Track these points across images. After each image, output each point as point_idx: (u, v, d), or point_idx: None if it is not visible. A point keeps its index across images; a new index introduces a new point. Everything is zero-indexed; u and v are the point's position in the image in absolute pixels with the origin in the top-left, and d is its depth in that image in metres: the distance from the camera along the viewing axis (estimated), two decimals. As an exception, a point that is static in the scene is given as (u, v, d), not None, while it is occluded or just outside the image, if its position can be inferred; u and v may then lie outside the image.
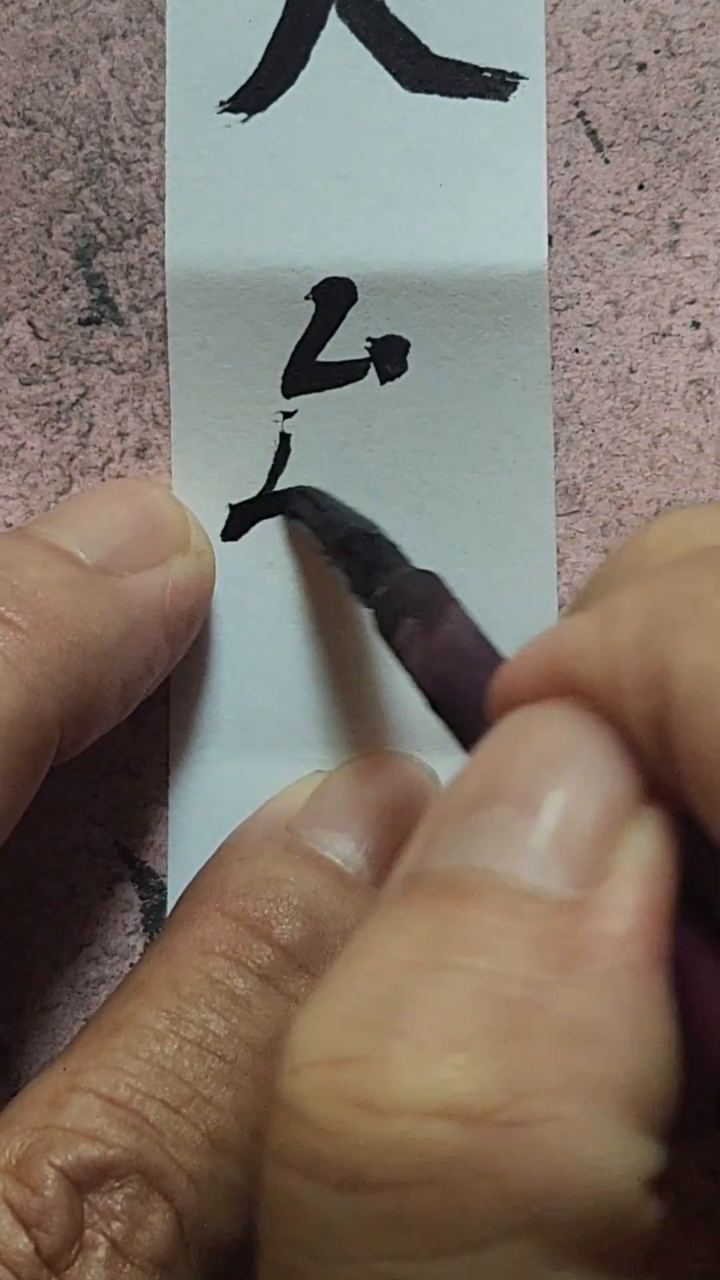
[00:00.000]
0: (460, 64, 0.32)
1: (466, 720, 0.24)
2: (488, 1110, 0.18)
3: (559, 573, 0.33)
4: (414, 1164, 0.18)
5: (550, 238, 0.32)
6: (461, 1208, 0.18)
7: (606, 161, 0.33)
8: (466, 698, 0.24)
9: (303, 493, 0.32)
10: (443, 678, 0.25)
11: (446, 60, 0.32)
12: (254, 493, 0.33)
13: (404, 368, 0.32)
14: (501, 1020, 0.19)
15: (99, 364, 0.33)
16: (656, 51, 0.32)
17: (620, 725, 0.21)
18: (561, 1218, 0.18)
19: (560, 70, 0.32)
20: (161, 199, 0.33)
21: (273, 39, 0.32)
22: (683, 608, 0.20)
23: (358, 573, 0.29)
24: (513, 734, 0.21)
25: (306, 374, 0.32)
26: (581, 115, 0.32)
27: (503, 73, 0.32)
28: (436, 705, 0.25)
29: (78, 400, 0.33)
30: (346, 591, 0.30)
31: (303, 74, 0.32)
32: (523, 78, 0.32)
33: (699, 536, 0.23)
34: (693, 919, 0.21)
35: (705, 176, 0.32)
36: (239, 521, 0.33)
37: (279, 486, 0.33)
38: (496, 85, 0.32)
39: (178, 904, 0.31)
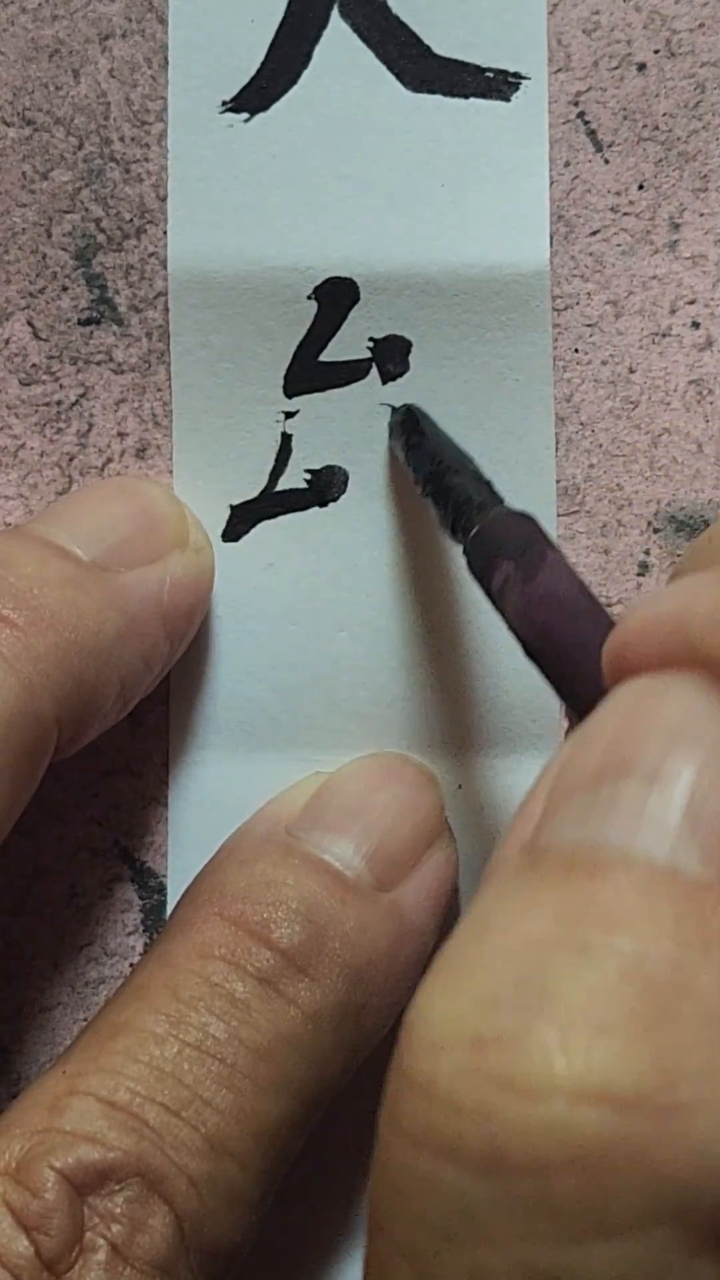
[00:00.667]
0: (462, 64, 0.32)
1: (567, 672, 0.24)
2: (641, 1096, 0.18)
3: (559, 573, 0.33)
4: (561, 1148, 0.18)
5: (550, 238, 0.32)
6: (607, 1194, 0.18)
7: (606, 161, 0.32)
8: (568, 649, 0.24)
9: (409, 412, 0.32)
10: (543, 627, 0.25)
11: (449, 60, 0.32)
12: (255, 493, 0.33)
13: (406, 368, 0.32)
14: (650, 1004, 0.18)
15: (99, 364, 0.33)
16: (656, 51, 0.32)
17: None
18: (707, 1204, 0.18)
19: (560, 70, 0.32)
20: (161, 199, 0.33)
21: (275, 39, 0.32)
22: None
23: (451, 509, 0.28)
24: (638, 704, 0.21)
25: (308, 374, 0.32)
26: (581, 115, 0.32)
27: (505, 73, 0.32)
28: (535, 654, 0.25)
29: (78, 400, 0.33)
30: (438, 527, 0.29)
31: (305, 74, 0.32)
32: (525, 78, 0.32)
33: None
34: None
35: (705, 176, 0.32)
36: (240, 522, 0.33)
37: (280, 487, 0.33)
38: (498, 85, 0.32)
39: (176, 907, 0.31)
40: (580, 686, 0.23)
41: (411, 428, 0.32)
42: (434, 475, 0.30)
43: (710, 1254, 0.18)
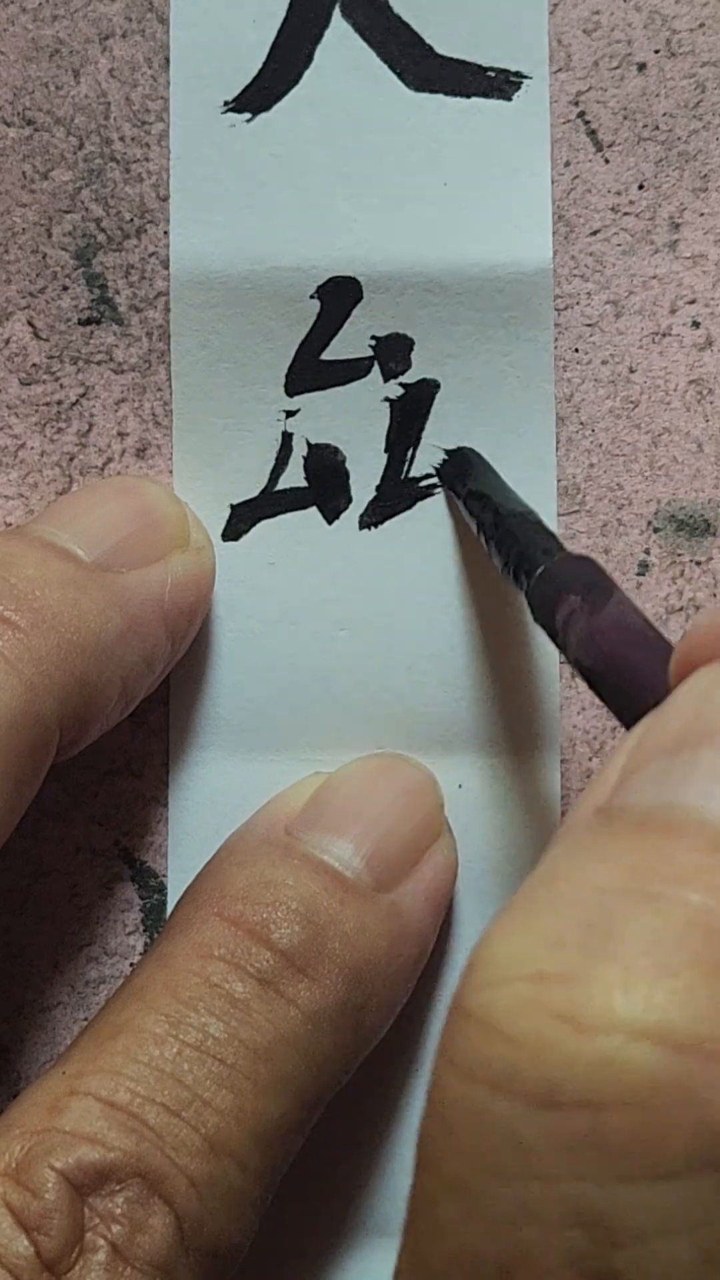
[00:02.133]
0: (464, 63, 0.32)
1: (631, 698, 0.24)
2: (698, 1038, 0.18)
3: (560, 573, 0.33)
4: (616, 1084, 0.18)
5: (551, 235, 0.32)
6: (659, 1134, 0.18)
7: (606, 161, 0.32)
8: (633, 675, 0.24)
9: (464, 458, 0.32)
10: (609, 653, 0.25)
11: (450, 60, 0.32)
12: (256, 492, 0.33)
13: (408, 366, 0.32)
14: (713, 951, 0.18)
15: (99, 364, 0.33)
16: (656, 51, 0.32)
17: None
18: None
19: (560, 70, 0.32)
20: (162, 199, 0.33)
21: (277, 39, 0.32)
22: None
23: (515, 554, 0.29)
24: (714, 683, 0.21)
25: (310, 372, 0.32)
26: (581, 115, 0.32)
27: (506, 72, 0.32)
28: (597, 681, 0.25)
29: (78, 400, 0.33)
30: (500, 572, 0.29)
31: (307, 74, 0.32)
32: (526, 77, 0.32)
33: None
34: None
35: (705, 176, 0.32)
36: (240, 521, 0.33)
37: (281, 486, 0.33)
38: (500, 84, 0.32)
39: (176, 908, 0.31)
40: (645, 713, 0.23)
41: (469, 471, 0.32)
42: (497, 522, 0.30)
43: None
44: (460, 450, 0.32)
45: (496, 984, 0.19)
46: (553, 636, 0.27)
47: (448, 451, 0.33)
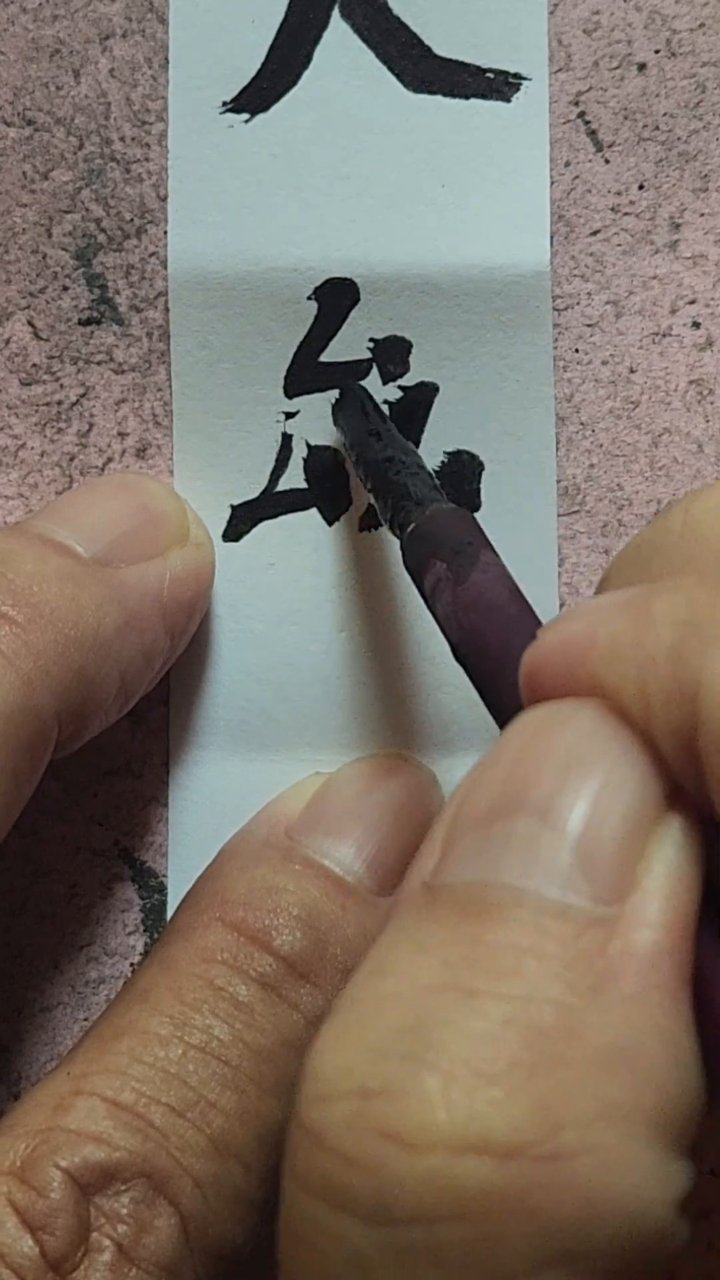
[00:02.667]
0: (463, 65, 0.32)
1: (492, 676, 0.24)
2: (522, 1145, 0.18)
3: (559, 573, 0.33)
4: (447, 1199, 0.18)
5: (550, 238, 0.32)
6: (495, 1243, 0.18)
7: (606, 161, 0.33)
8: (494, 654, 0.23)
9: (353, 393, 0.32)
10: (471, 630, 0.24)
11: (449, 61, 0.32)
12: (256, 493, 0.33)
13: (406, 368, 0.32)
14: (533, 1050, 0.19)
15: (99, 364, 0.33)
16: (656, 51, 0.32)
17: (646, 731, 0.20)
18: (597, 1248, 0.18)
19: (560, 70, 0.32)
20: (161, 199, 0.33)
21: (275, 39, 0.32)
22: (718, 620, 0.20)
23: (391, 502, 0.28)
24: (535, 736, 0.21)
25: (309, 374, 0.32)
26: (581, 115, 0.32)
27: (505, 73, 0.32)
28: (462, 656, 0.24)
29: (78, 400, 0.33)
30: (384, 522, 0.29)
31: (305, 74, 0.32)
32: (525, 78, 0.32)
33: None
34: (710, 927, 0.20)
35: (705, 176, 0.32)
36: (240, 522, 0.33)
37: (281, 487, 0.33)
38: (499, 86, 0.32)
39: (177, 911, 0.31)
40: (505, 695, 0.23)
41: (355, 411, 0.31)
42: (376, 467, 0.29)
43: None
44: (350, 386, 0.32)
45: (326, 1099, 0.19)
46: (425, 600, 0.26)
47: (341, 390, 0.32)
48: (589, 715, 0.21)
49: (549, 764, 0.20)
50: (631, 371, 0.33)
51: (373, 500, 0.29)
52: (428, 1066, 0.19)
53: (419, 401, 0.32)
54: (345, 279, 0.32)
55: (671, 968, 0.19)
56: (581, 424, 0.33)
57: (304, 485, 0.33)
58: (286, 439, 0.33)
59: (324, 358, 0.32)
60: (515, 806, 0.20)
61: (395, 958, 0.20)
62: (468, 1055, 0.19)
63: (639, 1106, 0.18)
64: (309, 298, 0.32)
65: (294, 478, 0.33)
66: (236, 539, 0.33)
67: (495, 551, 0.26)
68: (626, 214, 0.33)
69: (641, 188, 0.33)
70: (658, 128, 0.32)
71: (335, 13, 0.32)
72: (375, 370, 0.32)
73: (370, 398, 0.32)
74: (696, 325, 0.33)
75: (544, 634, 0.22)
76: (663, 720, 0.20)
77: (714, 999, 0.20)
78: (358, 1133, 0.19)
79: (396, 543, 0.33)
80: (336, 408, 0.32)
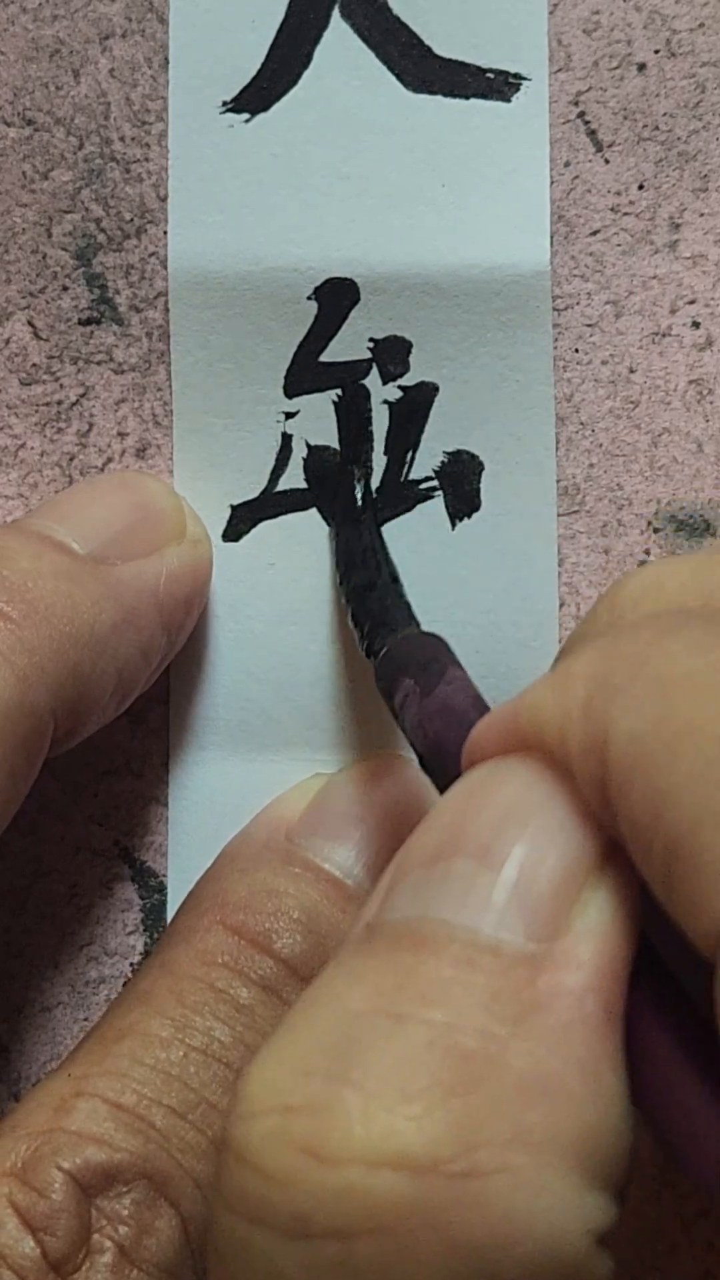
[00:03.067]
0: (463, 65, 0.32)
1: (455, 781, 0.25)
2: (437, 1161, 0.18)
3: (559, 573, 0.33)
4: (362, 1213, 0.18)
5: (550, 238, 0.32)
6: (409, 1258, 0.18)
7: (606, 161, 0.32)
8: (456, 759, 0.24)
9: (350, 515, 0.32)
10: (435, 738, 0.25)
11: (449, 61, 0.32)
12: (256, 493, 0.33)
13: (406, 368, 0.32)
14: (454, 1072, 0.19)
15: (99, 364, 0.33)
16: (656, 51, 0.32)
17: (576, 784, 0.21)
18: (509, 1271, 0.18)
19: (560, 70, 0.32)
20: (161, 199, 0.33)
21: (276, 39, 0.32)
22: (624, 672, 0.21)
23: (367, 628, 0.29)
24: (475, 788, 0.21)
25: (309, 374, 0.32)
26: (581, 115, 0.32)
27: (505, 73, 0.32)
28: (428, 765, 0.26)
29: (78, 400, 0.33)
30: (355, 645, 0.30)
31: (305, 74, 0.32)
32: (525, 79, 0.32)
33: (669, 593, 0.23)
34: (650, 978, 0.21)
35: (705, 176, 0.32)
36: (240, 522, 0.33)
37: (281, 487, 0.33)
38: (499, 86, 0.32)
39: (178, 914, 0.31)
40: None
41: (354, 530, 0.32)
42: (355, 594, 0.30)
43: None
44: (350, 509, 0.32)
45: (250, 1116, 0.19)
46: (395, 718, 0.27)
47: (335, 511, 0.33)
48: (527, 769, 0.21)
49: (488, 811, 0.21)
50: (631, 371, 0.33)
51: (351, 626, 0.30)
52: (349, 1084, 0.19)
53: (419, 401, 0.32)
54: (345, 279, 0.32)
55: (598, 1006, 0.20)
56: (581, 424, 0.33)
57: (304, 485, 0.33)
58: (286, 439, 0.33)
59: (324, 358, 0.32)
60: (454, 849, 0.21)
61: (330, 987, 0.20)
62: (389, 1074, 0.19)
63: (556, 1135, 0.19)
64: (309, 298, 0.32)
65: (294, 478, 0.33)
66: (236, 539, 0.33)
67: (463, 669, 0.27)
68: (626, 214, 0.33)
69: (641, 188, 0.33)
70: (658, 128, 0.32)
71: (335, 13, 0.32)
72: (375, 370, 0.32)
73: (364, 515, 0.32)
74: (696, 325, 0.33)
75: (479, 724, 0.23)
76: (583, 774, 0.21)
77: (647, 1051, 0.20)
78: (277, 1148, 0.19)
79: (396, 542, 0.33)
80: (332, 523, 0.33)
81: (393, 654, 0.28)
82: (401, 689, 0.27)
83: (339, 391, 0.32)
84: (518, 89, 0.32)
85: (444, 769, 0.25)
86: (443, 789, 0.25)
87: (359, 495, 0.32)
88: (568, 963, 0.20)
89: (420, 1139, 0.18)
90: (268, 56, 0.32)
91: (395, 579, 0.31)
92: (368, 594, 0.30)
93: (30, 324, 0.33)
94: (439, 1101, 0.19)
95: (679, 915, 0.20)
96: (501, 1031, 0.19)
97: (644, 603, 0.24)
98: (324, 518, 0.33)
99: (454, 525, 0.33)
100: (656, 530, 0.33)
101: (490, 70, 0.32)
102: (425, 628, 0.33)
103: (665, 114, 0.32)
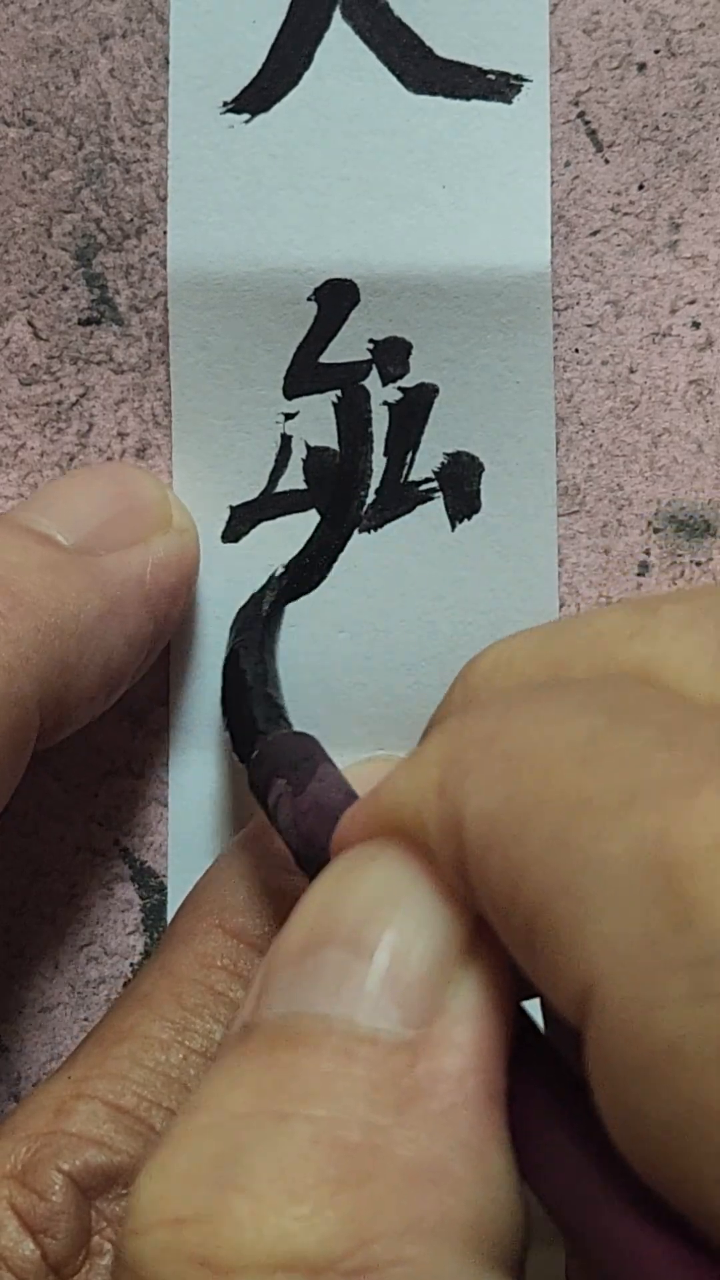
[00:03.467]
0: (464, 66, 0.32)
1: None
2: (331, 1259, 0.18)
3: (559, 573, 0.33)
4: None
5: (550, 238, 0.32)
6: None
7: (606, 161, 0.32)
8: (329, 854, 0.24)
9: (242, 639, 0.32)
10: (308, 835, 0.26)
11: (450, 62, 0.32)
12: (255, 494, 0.33)
13: (406, 369, 0.32)
14: (341, 1167, 0.19)
15: (99, 364, 0.33)
16: (656, 51, 0.32)
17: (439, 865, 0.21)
18: None
19: (560, 70, 0.32)
20: (161, 199, 0.33)
21: (276, 40, 0.32)
22: (473, 751, 0.21)
23: (239, 733, 0.30)
24: (341, 875, 0.22)
25: (308, 375, 0.32)
26: (581, 115, 0.32)
27: (506, 75, 0.32)
28: (303, 863, 0.26)
29: (78, 400, 0.33)
30: (230, 748, 0.30)
31: (306, 75, 0.32)
32: (526, 80, 0.32)
33: (519, 667, 0.24)
34: (530, 1051, 0.21)
35: (705, 176, 0.32)
36: (240, 522, 0.33)
37: (280, 488, 0.33)
38: (500, 87, 0.32)
39: (176, 917, 0.31)
40: None
41: (241, 649, 0.32)
42: (228, 700, 0.31)
43: None
44: (243, 635, 0.33)
45: (141, 1231, 0.19)
46: (270, 819, 0.27)
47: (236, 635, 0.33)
48: (390, 854, 0.21)
49: (355, 899, 0.21)
50: (631, 371, 0.33)
51: (225, 731, 0.31)
52: (236, 1189, 0.19)
53: (419, 403, 0.32)
54: (345, 280, 0.32)
55: (479, 1087, 0.20)
56: (581, 424, 0.33)
57: (303, 486, 0.33)
58: (286, 440, 0.33)
59: (324, 359, 0.32)
60: (324, 940, 0.21)
61: (210, 1092, 0.20)
62: (276, 1175, 0.19)
63: (447, 1220, 0.19)
64: (309, 298, 0.32)
65: (293, 478, 0.33)
66: (236, 540, 0.33)
67: (333, 764, 0.27)
68: (626, 214, 0.33)
69: (641, 188, 0.32)
70: (658, 128, 0.32)
71: (336, 13, 0.32)
72: (375, 371, 0.32)
73: (253, 615, 0.32)
74: (696, 325, 0.33)
75: (350, 806, 0.23)
76: (442, 853, 0.21)
77: (530, 1127, 0.20)
78: (170, 1262, 0.19)
79: (397, 543, 0.33)
80: (230, 643, 0.33)
81: (264, 755, 0.28)
82: (274, 790, 0.27)
83: (339, 393, 0.32)
84: (518, 90, 0.32)
85: (318, 865, 0.25)
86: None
87: (266, 604, 0.32)
88: (445, 1046, 0.20)
89: (312, 1238, 0.18)
90: (268, 57, 0.32)
91: (270, 679, 0.31)
92: (241, 700, 0.31)
93: (30, 324, 0.33)
94: (327, 1199, 0.19)
95: (544, 986, 0.20)
96: (385, 1121, 0.19)
97: (495, 679, 0.24)
98: (323, 518, 0.33)
99: (454, 527, 0.33)
100: (656, 530, 0.33)
101: (491, 71, 0.32)
102: (426, 627, 0.33)
103: (665, 114, 0.32)
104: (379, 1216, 0.18)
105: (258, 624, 0.32)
